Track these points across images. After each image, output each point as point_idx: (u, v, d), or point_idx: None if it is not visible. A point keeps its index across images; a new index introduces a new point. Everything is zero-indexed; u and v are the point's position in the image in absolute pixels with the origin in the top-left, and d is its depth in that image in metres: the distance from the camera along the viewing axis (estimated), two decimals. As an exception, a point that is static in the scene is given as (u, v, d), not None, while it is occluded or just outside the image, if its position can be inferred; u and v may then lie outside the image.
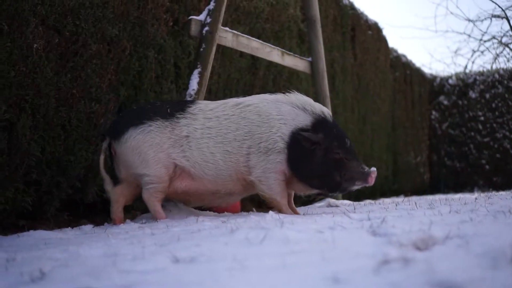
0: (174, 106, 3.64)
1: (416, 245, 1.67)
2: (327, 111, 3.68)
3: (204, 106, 3.67)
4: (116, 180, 3.68)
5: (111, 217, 3.61)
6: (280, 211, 3.61)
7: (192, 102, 3.75)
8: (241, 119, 3.60)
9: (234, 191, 3.70)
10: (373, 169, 3.57)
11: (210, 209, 4.22)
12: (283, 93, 3.75)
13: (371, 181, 3.57)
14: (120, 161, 3.58)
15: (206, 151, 3.54)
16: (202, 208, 4.11)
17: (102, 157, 3.57)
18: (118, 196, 3.61)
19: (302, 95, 3.75)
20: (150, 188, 3.51)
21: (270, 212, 3.36)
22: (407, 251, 1.60)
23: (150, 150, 3.48)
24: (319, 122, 3.57)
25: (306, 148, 3.50)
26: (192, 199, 3.74)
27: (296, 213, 3.75)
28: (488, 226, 2.07)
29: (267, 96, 3.73)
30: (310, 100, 3.71)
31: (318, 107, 3.65)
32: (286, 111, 3.59)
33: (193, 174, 3.56)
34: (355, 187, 3.64)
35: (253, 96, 3.82)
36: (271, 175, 3.53)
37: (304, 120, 3.56)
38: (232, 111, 3.64)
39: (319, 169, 3.52)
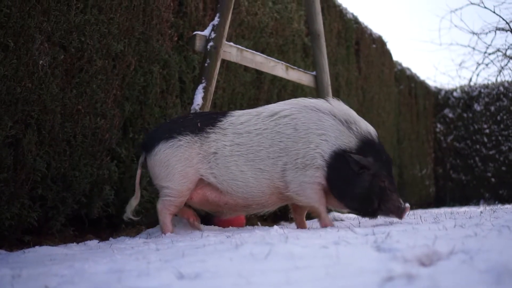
0: (204, 120, 3.59)
1: (420, 261, 1.67)
2: (373, 131, 3.56)
3: (235, 119, 3.59)
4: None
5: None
6: (319, 216, 3.56)
7: (224, 114, 3.65)
8: (276, 134, 3.50)
9: (268, 204, 3.63)
10: (407, 205, 3.49)
11: (214, 223, 4.23)
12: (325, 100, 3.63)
13: (404, 217, 3.52)
14: (150, 173, 3.61)
15: (235, 170, 3.48)
16: (206, 223, 4.11)
17: (139, 171, 3.62)
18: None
19: (343, 104, 3.63)
20: (166, 200, 3.52)
21: (275, 226, 3.37)
22: (412, 266, 1.60)
23: (178, 164, 3.49)
24: (366, 145, 3.47)
25: (352, 170, 3.39)
26: (224, 210, 3.70)
27: (304, 227, 3.74)
28: (493, 241, 2.07)
29: (306, 102, 3.60)
30: (353, 114, 3.58)
31: (364, 126, 3.53)
32: (329, 127, 3.48)
33: (220, 189, 3.53)
34: (387, 218, 3.61)
35: (290, 102, 3.67)
36: (308, 186, 3.43)
37: (349, 142, 3.46)
38: (265, 125, 3.54)
39: (362, 193, 3.43)
